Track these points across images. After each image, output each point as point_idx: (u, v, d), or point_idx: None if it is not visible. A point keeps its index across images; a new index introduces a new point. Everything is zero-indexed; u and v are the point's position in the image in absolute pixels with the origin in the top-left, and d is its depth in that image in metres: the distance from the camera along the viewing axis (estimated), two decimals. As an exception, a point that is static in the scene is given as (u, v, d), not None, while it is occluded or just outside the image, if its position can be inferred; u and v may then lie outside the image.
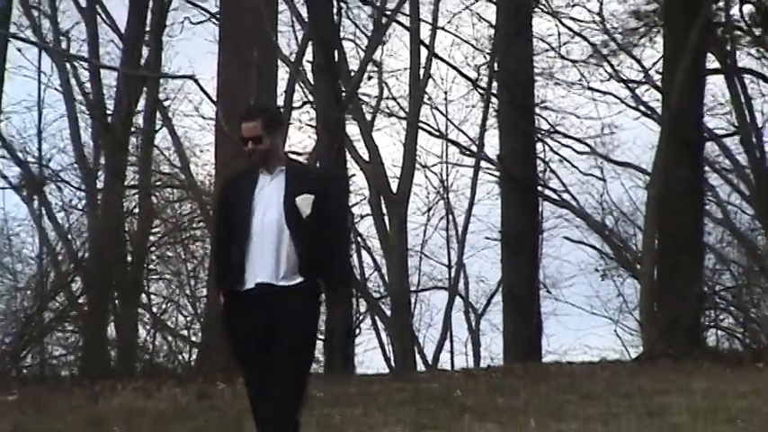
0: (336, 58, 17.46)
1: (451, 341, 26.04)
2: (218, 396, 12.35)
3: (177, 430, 10.41)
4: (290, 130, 21.60)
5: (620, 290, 24.42)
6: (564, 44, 22.76)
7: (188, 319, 16.92)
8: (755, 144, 20.77)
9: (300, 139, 28.26)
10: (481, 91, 23.42)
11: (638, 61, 21.95)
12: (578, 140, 23.48)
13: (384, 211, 20.60)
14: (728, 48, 20.34)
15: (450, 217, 26.49)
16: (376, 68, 23.22)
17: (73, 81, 20.13)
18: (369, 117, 22.98)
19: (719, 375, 12.64)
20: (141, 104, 19.23)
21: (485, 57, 23.48)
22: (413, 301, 23.83)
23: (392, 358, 21.26)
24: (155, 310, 17.08)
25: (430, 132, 24.57)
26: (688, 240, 17.65)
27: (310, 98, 20.65)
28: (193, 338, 16.82)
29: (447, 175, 26.41)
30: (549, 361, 19.26)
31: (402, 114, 22.94)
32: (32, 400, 12.28)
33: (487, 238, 24.52)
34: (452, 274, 25.72)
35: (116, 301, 16.33)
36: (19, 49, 20.37)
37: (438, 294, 26.69)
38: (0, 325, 16.47)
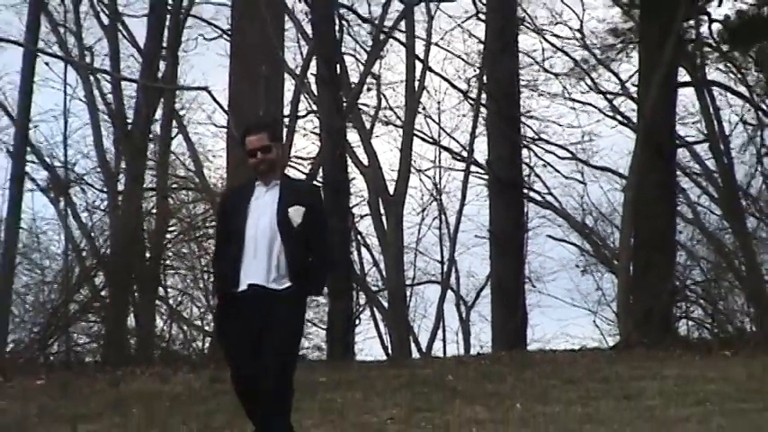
0: (338, 72, 17.43)
1: (444, 331, 26.05)
2: (229, 381, 12.21)
3: (192, 412, 10.39)
4: (296, 137, 21.63)
5: (599, 284, 24.36)
6: (547, 59, 22.76)
7: (201, 310, 16.85)
8: (723, 151, 20.79)
9: (305, 145, 28.13)
10: (471, 101, 23.40)
11: (616, 75, 21.92)
12: (560, 147, 23.43)
13: (382, 211, 20.62)
14: (698, 62, 20.34)
15: (443, 217, 26.51)
16: (374, 81, 23.20)
17: (96, 92, 20.11)
18: (368, 125, 22.98)
19: (690, 362, 12.63)
20: (159, 114, 19.17)
21: (474, 70, 23.47)
22: (408, 294, 23.84)
23: (389, 346, 21.25)
24: (171, 301, 17.01)
25: (424, 139, 24.57)
26: (661, 238, 17.65)
27: (314, 108, 20.65)
28: (206, 328, 16.75)
29: (440, 179, 26.42)
30: (534, 349, 19.24)
31: (398, 123, 22.92)
32: (59, 384, 12.25)
33: (477, 236, 24.45)
34: (445, 270, 25.73)
35: (135, 294, 16.27)
36: (47, 63, 20.32)
37: (431, 288, 26.70)
38: (29, 315, 16.44)
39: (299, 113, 21.67)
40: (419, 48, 21.33)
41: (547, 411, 9.54)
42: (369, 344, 23.79)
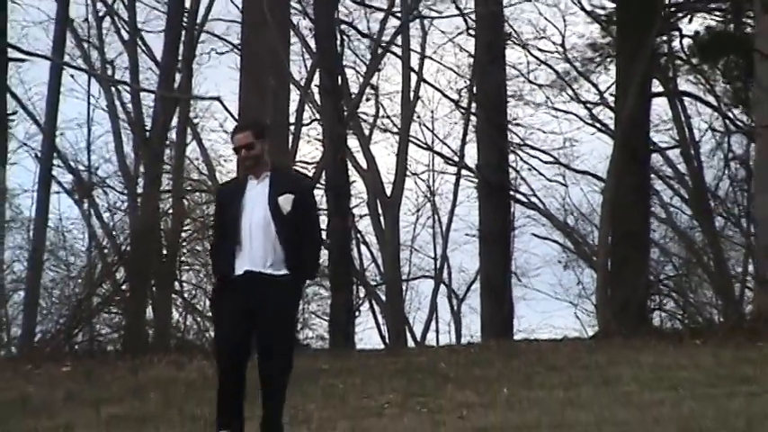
0: (339, 83, 17.44)
1: (437, 322, 26.11)
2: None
3: (205, 396, 10.34)
4: (300, 143, 21.63)
5: (580, 278, 24.42)
6: (532, 71, 22.76)
7: (214, 303, 16.82)
8: (693, 155, 20.85)
9: (309, 151, 28.14)
10: (462, 110, 23.45)
11: (595, 85, 21.93)
12: (544, 152, 23.44)
13: (380, 211, 20.66)
14: (671, 74, 20.38)
15: (436, 217, 26.51)
16: (373, 91, 23.23)
17: (117, 102, 20.18)
18: (367, 132, 23.02)
19: (663, 351, 12.59)
20: (175, 121, 19.19)
21: (465, 81, 23.49)
22: (404, 287, 23.81)
23: (387, 336, 21.25)
24: (186, 295, 16.97)
25: (419, 145, 24.56)
26: (636, 236, 17.65)
27: (317, 116, 20.65)
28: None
29: (433, 182, 26.45)
30: (520, 338, 19.20)
31: (395, 130, 22.94)
32: (83, 371, 12.22)
33: (467, 234, 24.50)
34: (438, 266, 25.77)
35: (153, 288, 16.24)
36: (72, 76, 20.38)
37: (426, 282, 26.73)
38: (55, 308, 16.41)
39: (304, 121, 21.70)
40: (414, 61, 21.44)
41: (531, 396, 9.53)
42: (368, 334, 23.80)
